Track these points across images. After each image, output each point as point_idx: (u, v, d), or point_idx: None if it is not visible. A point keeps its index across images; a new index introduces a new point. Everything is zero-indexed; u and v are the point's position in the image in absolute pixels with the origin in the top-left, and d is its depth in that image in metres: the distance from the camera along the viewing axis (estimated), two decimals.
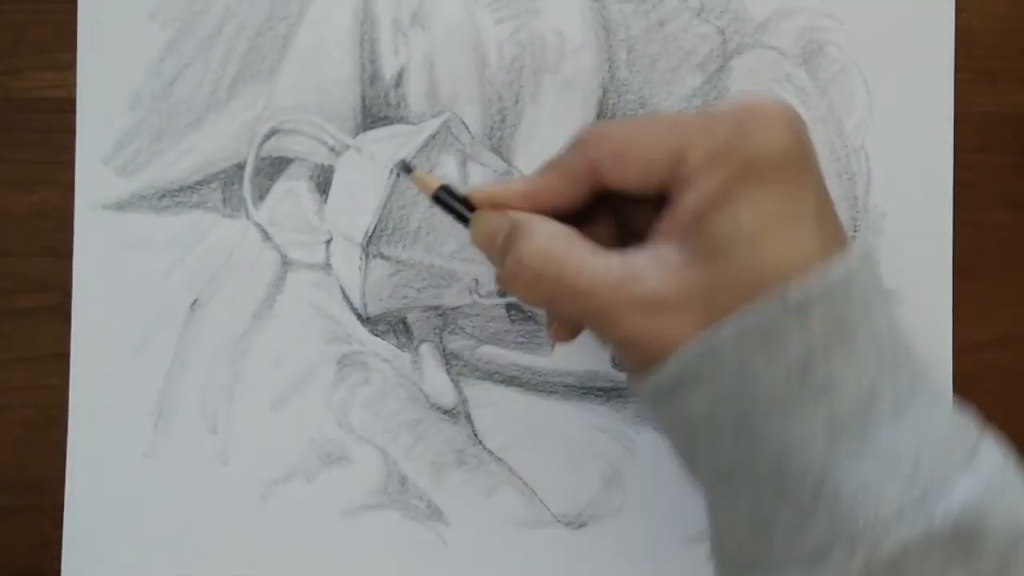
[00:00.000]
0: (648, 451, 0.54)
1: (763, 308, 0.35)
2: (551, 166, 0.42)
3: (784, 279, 0.35)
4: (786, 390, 0.35)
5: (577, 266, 0.38)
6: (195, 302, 0.54)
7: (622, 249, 0.39)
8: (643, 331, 0.37)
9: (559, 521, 0.54)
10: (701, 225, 0.36)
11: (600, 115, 0.54)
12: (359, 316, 0.54)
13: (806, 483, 0.35)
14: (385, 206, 0.51)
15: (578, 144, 0.41)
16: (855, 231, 0.54)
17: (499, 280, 0.42)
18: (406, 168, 0.47)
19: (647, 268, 0.37)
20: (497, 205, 0.42)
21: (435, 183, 0.45)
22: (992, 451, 0.36)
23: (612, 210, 0.43)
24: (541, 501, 0.54)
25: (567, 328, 0.45)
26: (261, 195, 0.54)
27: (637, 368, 0.38)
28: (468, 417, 0.54)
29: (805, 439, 0.35)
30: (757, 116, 0.37)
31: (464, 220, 0.44)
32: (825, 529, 0.35)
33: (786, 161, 0.36)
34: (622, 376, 0.54)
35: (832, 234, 0.37)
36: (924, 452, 0.35)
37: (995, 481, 0.35)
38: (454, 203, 0.44)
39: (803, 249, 0.36)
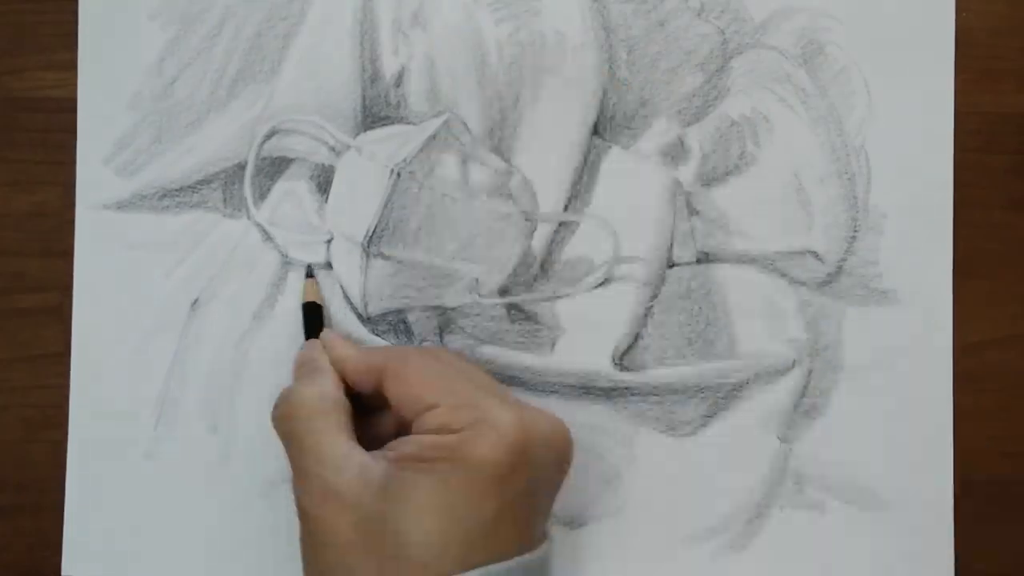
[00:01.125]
0: (648, 451, 0.54)
1: None
2: (370, 350, 0.50)
3: (420, 554, 0.41)
4: None
5: (315, 428, 0.45)
6: (196, 302, 0.54)
7: (358, 447, 0.45)
8: (315, 509, 0.43)
9: (559, 521, 0.54)
10: (401, 469, 0.43)
11: (600, 115, 0.54)
12: (360, 316, 0.54)
13: None
14: (386, 206, 0.51)
15: (392, 350, 0.51)
16: (855, 231, 0.54)
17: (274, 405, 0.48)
18: (309, 273, 0.54)
19: (351, 469, 0.43)
20: (328, 344, 0.50)
21: (311, 297, 0.53)
22: None
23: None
24: None
25: None
26: (262, 195, 0.54)
27: (304, 546, 0.45)
28: None
29: None
30: (491, 425, 0.43)
31: (307, 332, 0.52)
32: None
33: (487, 473, 0.42)
34: (622, 376, 0.54)
35: (492, 549, 0.42)
36: None
37: None
38: (310, 320, 0.52)
39: (452, 545, 0.41)
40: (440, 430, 0.44)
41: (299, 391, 0.47)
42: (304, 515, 0.44)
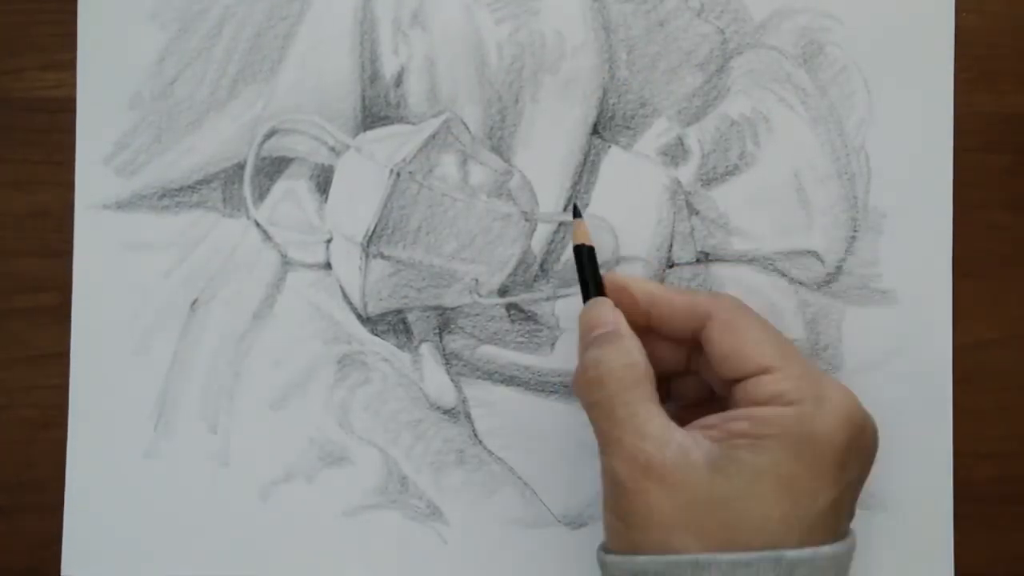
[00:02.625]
0: None
1: (758, 558, 0.39)
2: (685, 292, 0.48)
3: (765, 536, 0.40)
4: None
5: (629, 399, 0.43)
6: (195, 302, 0.54)
7: (672, 423, 0.43)
8: (634, 483, 0.41)
9: (559, 521, 0.54)
10: (732, 448, 0.41)
11: (600, 115, 0.54)
12: (359, 316, 0.54)
13: None
14: (385, 206, 0.51)
15: (714, 296, 0.47)
16: (855, 231, 0.54)
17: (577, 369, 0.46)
18: (576, 212, 0.50)
19: (672, 444, 0.41)
20: (622, 288, 0.47)
21: (587, 240, 0.49)
22: None
23: (699, 375, 0.49)
24: (541, 501, 0.54)
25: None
26: (261, 195, 0.54)
27: (612, 518, 0.43)
28: (468, 417, 0.54)
29: None
30: (834, 405, 0.41)
31: (586, 290, 0.48)
32: None
33: (826, 455, 0.40)
34: None
35: (827, 529, 0.41)
36: None
37: None
38: (589, 270, 0.49)
39: (794, 525, 0.40)
40: (773, 400, 0.41)
41: (607, 359, 0.44)
42: (619, 485, 0.42)
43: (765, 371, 0.42)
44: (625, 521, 0.42)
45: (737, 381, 0.43)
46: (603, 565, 0.44)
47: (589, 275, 0.48)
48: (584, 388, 0.45)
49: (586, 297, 0.48)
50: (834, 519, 0.41)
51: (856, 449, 0.41)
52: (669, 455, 0.41)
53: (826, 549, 0.40)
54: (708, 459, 0.41)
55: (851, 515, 0.43)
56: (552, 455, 0.54)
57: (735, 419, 0.42)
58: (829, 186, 0.54)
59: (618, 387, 0.43)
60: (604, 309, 0.47)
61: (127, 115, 0.54)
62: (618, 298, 0.47)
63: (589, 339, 0.46)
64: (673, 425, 0.42)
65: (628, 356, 0.44)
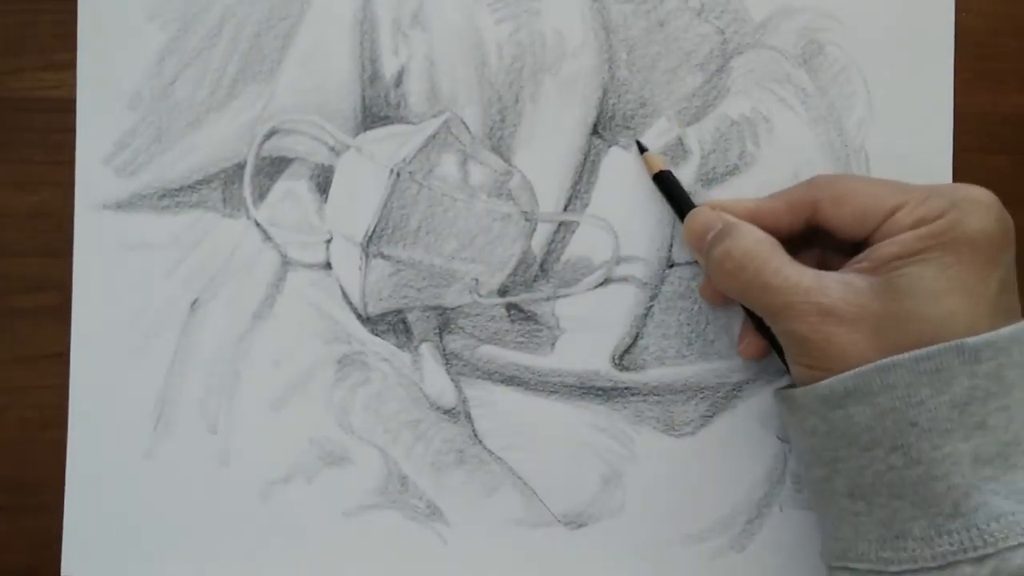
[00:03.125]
0: (648, 451, 0.54)
1: (940, 349, 0.41)
2: (778, 195, 0.50)
3: (950, 334, 0.41)
4: (945, 420, 0.41)
5: (775, 267, 0.45)
6: (195, 302, 0.54)
7: (819, 271, 0.45)
8: (817, 333, 0.43)
9: (559, 521, 0.54)
10: (892, 269, 0.43)
11: (600, 115, 0.54)
12: (359, 316, 0.54)
13: (947, 498, 0.41)
14: (385, 206, 0.51)
15: (807, 183, 0.49)
16: None
17: (706, 271, 0.49)
18: (641, 148, 0.53)
19: (834, 285, 0.44)
20: (720, 210, 0.50)
21: (662, 165, 0.53)
22: None
23: (815, 249, 0.51)
24: (541, 501, 0.54)
25: (755, 346, 0.52)
26: (261, 195, 0.54)
27: (804, 369, 0.45)
28: (468, 417, 0.54)
29: (954, 463, 0.41)
30: (972, 201, 0.43)
31: (679, 209, 0.52)
32: (960, 539, 0.40)
33: (984, 246, 0.42)
34: (622, 376, 0.54)
35: (1004, 313, 0.43)
36: None
37: None
38: (675, 190, 0.52)
39: (974, 318, 0.42)
40: (917, 224, 0.43)
41: (735, 246, 0.47)
42: (804, 341, 0.44)
43: (896, 209, 0.44)
44: (819, 366, 0.44)
45: (874, 233, 0.45)
46: (789, 399, 0.46)
47: (678, 195, 0.52)
48: (729, 280, 0.47)
49: (682, 216, 0.51)
50: (1008, 301, 0.43)
51: (1007, 231, 0.43)
52: (837, 295, 0.43)
53: (1006, 330, 0.42)
54: (872, 288, 0.43)
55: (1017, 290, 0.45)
56: (552, 455, 0.54)
57: (886, 246, 0.44)
58: None
59: (759, 262, 0.45)
60: (706, 214, 0.50)
61: (127, 115, 0.54)
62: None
63: (706, 244, 0.49)
64: (824, 272, 0.45)
65: (752, 234, 0.47)
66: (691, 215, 0.50)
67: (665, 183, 0.53)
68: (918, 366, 0.41)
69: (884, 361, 0.42)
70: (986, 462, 0.41)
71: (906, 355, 0.41)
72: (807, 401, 0.44)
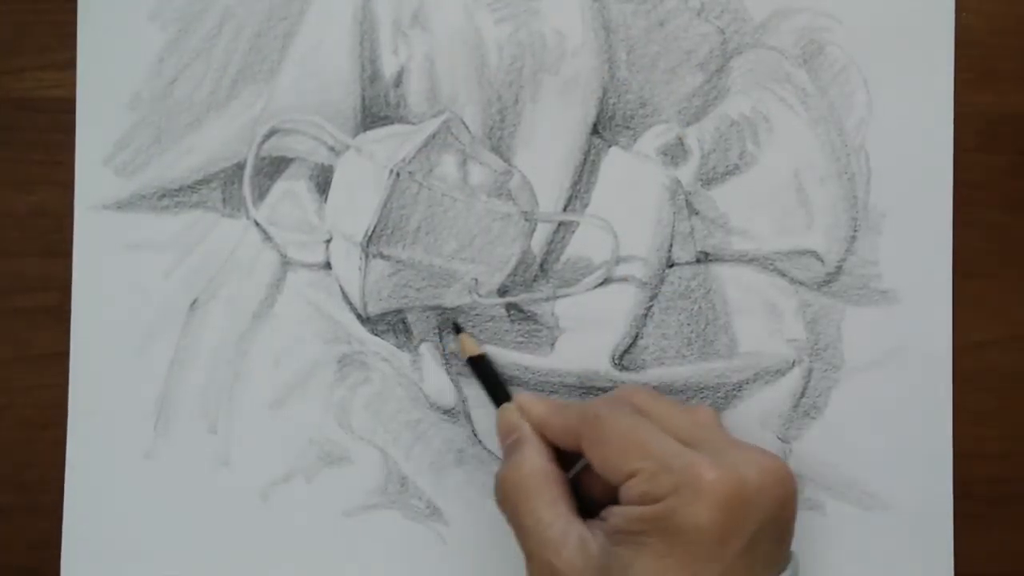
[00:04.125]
0: None
1: None
2: (564, 410, 0.48)
3: None
4: None
5: (532, 507, 0.45)
6: (195, 302, 0.54)
7: (575, 518, 0.45)
8: None
9: None
10: (616, 543, 0.43)
11: (600, 115, 0.54)
12: (359, 316, 0.54)
13: None
14: (385, 206, 0.51)
15: (582, 413, 0.47)
16: (855, 231, 0.54)
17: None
18: (456, 328, 0.54)
19: (571, 545, 0.44)
20: (522, 407, 0.49)
21: (475, 350, 0.53)
22: None
23: None
24: None
25: None
26: (261, 195, 0.54)
27: None
28: (468, 417, 0.54)
29: None
30: (694, 490, 0.41)
31: (492, 394, 0.52)
32: None
33: (697, 541, 0.41)
34: (622, 376, 0.54)
35: None
36: None
37: None
38: (490, 379, 0.52)
39: None
40: (643, 499, 0.42)
41: (510, 472, 0.47)
42: None
43: (631, 476, 0.43)
44: None
45: (618, 489, 0.44)
46: None
47: (491, 383, 0.52)
48: (499, 506, 0.47)
49: (496, 403, 0.51)
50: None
51: (734, 522, 0.41)
52: (566, 557, 0.43)
53: None
54: (601, 553, 0.43)
55: (769, 566, 0.44)
56: None
57: (615, 515, 0.43)
58: (829, 186, 0.54)
59: (521, 499, 0.46)
60: (509, 416, 0.50)
61: (127, 115, 0.54)
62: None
63: (503, 445, 0.50)
64: (575, 522, 0.45)
65: (529, 464, 0.47)
66: (500, 412, 0.50)
67: (480, 369, 0.53)
68: None
69: None
70: None
71: None
72: None
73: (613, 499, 0.44)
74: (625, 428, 0.45)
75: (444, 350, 0.54)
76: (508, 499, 0.46)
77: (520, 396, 0.50)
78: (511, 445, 0.48)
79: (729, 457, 0.43)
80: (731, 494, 0.41)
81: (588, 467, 0.47)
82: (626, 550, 0.42)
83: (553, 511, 0.45)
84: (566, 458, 0.48)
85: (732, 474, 0.42)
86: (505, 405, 0.50)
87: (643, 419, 0.46)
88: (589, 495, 0.47)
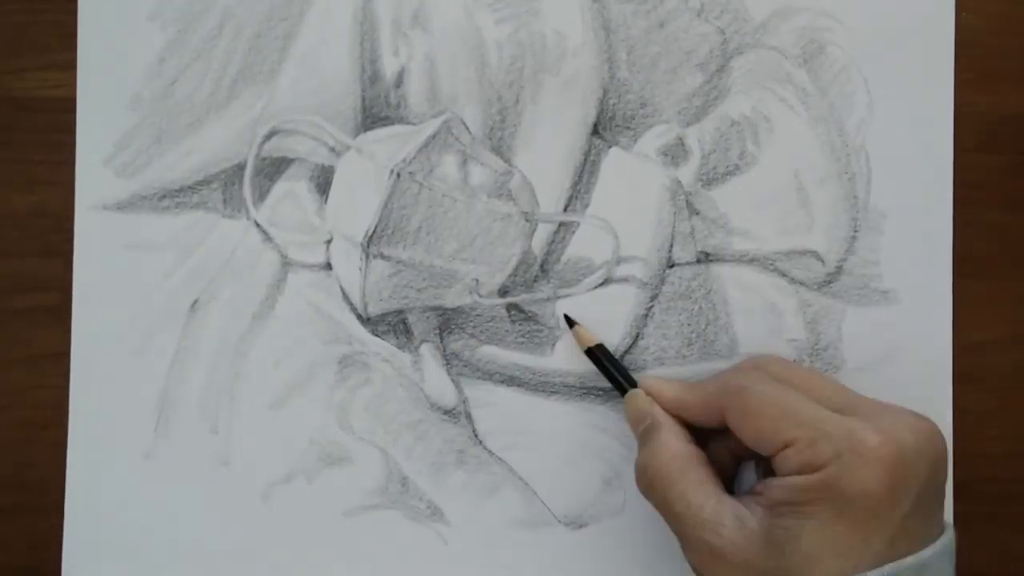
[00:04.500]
0: None
1: None
2: (700, 386, 0.49)
3: None
4: None
5: (680, 491, 0.45)
6: (195, 303, 0.54)
7: (725, 496, 0.45)
8: (705, 568, 0.44)
9: (559, 521, 0.54)
10: (779, 516, 0.42)
11: (600, 115, 0.54)
12: (359, 316, 0.54)
13: None
14: (385, 206, 0.51)
15: (723, 384, 0.48)
16: (856, 231, 0.54)
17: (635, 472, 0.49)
18: (569, 322, 0.53)
19: (728, 524, 0.43)
20: (651, 390, 0.50)
21: (592, 340, 0.52)
22: None
23: None
24: (541, 501, 0.54)
25: None
26: (261, 195, 0.54)
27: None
28: (468, 417, 0.54)
29: None
30: (857, 454, 0.41)
31: (616, 383, 0.51)
32: None
33: (864, 506, 0.41)
34: None
35: (898, 552, 0.42)
36: None
37: None
38: (611, 368, 0.52)
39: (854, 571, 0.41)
40: (803, 469, 0.42)
41: (652, 460, 0.47)
42: (697, 570, 0.45)
43: (786, 445, 0.43)
44: None
45: (772, 459, 0.44)
46: None
47: (613, 371, 0.52)
48: (645, 494, 0.47)
49: (622, 391, 0.51)
50: (899, 547, 0.42)
51: (897, 485, 0.41)
52: (727, 535, 0.43)
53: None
54: (761, 528, 0.43)
55: (928, 528, 0.43)
56: (552, 455, 0.54)
57: (776, 487, 0.43)
58: (829, 186, 0.54)
59: (667, 484, 0.46)
60: (638, 402, 0.50)
61: (127, 116, 0.54)
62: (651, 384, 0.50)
63: (637, 433, 0.49)
64: (727, 500, 0.45)
65: (669, 449, 0.47)
66: (628, 399, 0.50)
67: (600, 359, 0.52)
68: None
69: None
70: None
71: None
72: None
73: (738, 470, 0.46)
74: (774, 397, 0.45)
75: (444, 350, 0.54)
76: (654, 487, 0.46)
77: (647, 380, 0.50)
78: (645, 432, 0.48)
79: (884, 421, 0.43)
80: (895, 457, 0.41)
81: (717, 442, 0.48)
82: (792, 520, 0.42)
83: (703, 492, 0.45)
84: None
85: (892, 437, 0.42)
86: (632, 391, 0.50)
87: (788, 387, 0.46)
88: (723, 470, 0.48)
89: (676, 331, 0.54)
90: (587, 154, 0.54)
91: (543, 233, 0.54)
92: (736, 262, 0.55)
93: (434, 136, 0.52)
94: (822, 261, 0.54)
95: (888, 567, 0.41)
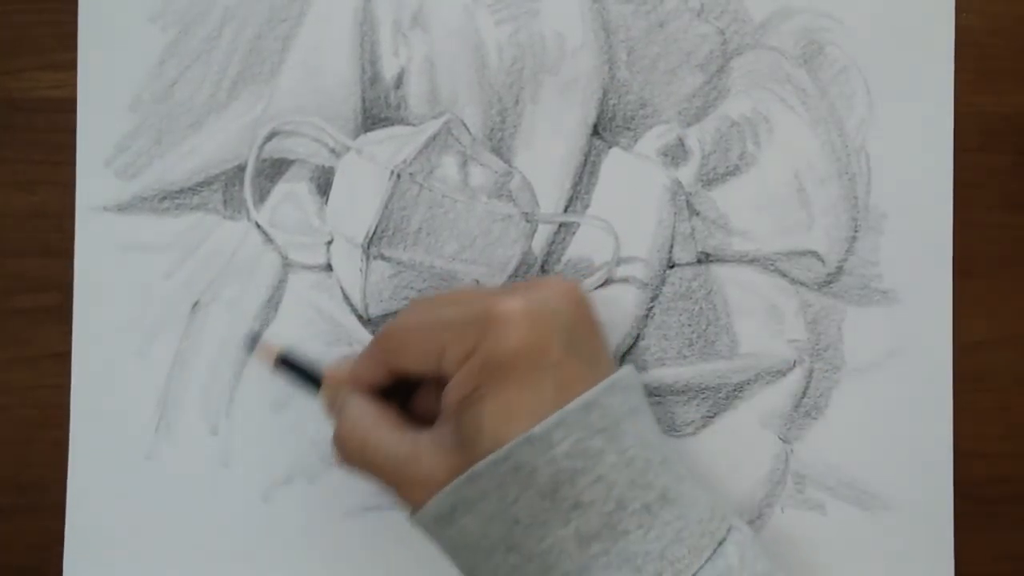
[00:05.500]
0: None
1: (510, 448, 0.41)
2: (362, 353, 0.48)
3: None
4: (540, 510, 0.42)
5: (374, 444, 0.45)
6: (196, 304, 0.54)
7: (419, 428, 0.46)
8: (422, 501, 0.44)
9: None
10: (459, 416, 0.43)
11: (600, 116, 0.54)
12: (360, 317, 0.54)
13: None
14: (386, 207, 0.51)
15: (376, 337, 0.48)
16: (856, 231, 0.54)
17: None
18: (251, 343, 0.52)
19: (426, 450, 0.44)
20: (333, 379, 0.49)
21: (271, 355, 0.51)
22: (736, 543, 0.43)
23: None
24: None
25: None
26: (262, 197, 0.54)
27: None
28: None
29: (561, 550, 0.42)
30: (497, 321, 0.43)
31: (308, 386, 0.50)
32: None
33: (521, 363, 0.42)
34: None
35: (572, 393, 0.43)
36: (670, 551, 0.42)
37: (734, 568, 0.42)
38: (298, 372, 0.50)
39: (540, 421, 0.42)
40: (464, 360, 0.43)
41: (340, 427, 0.47)
42: (413, 504, 0.45)
43: (442, 351, 0.44)
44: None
45: (441, 374, 0.45)
46: (416, 525, 0.46)
47: (304, 374, 0.50)
48: (347, 463, 0.47)
49: (316, 389, 0.50)
50: (571, 390, 0.43)
51: (546, 329, 0.43)
52: (427, 463, 0.44)
53: (570, 405, 0.42)
54: (454, 440, 0.43)
55: (595, 367, 0.45)
56: None
57: (449, 393, 0.44)
58: (829, 186, 0.54)
59: (362, 443, 0.46)
60: (325, 395, 0.49)
61: (127, 117, 0.54)
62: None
63: (332, 419, 0.49)
64: (424, 432, 0.45)
65: (356, 410, 0.47)
66: (321, 395, 0.50)
67: (290, 366, 0.51)
68: (498, 468, 0.42)
69: (469, 472, 0.42)
70: (591, 538, 0.42)
71: (483, 461, 0.42)
72: (425, 524, 0.45)
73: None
74: (414, 319, 0.46)
75: None
76: (350, 452, 0.46)
77: (325, 370, 0.50)
78: (333, 413, 0.48)
79: (517, 291, 0.44)
80: (530, 311, 0.43)
81: (420, 394, 0.49)
82: (471, 410, 0.43)
83: (397, 435, 0.45)
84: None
85: (525, 298, 0.44)
86: (324, 384, 0.50)
87: (423, 301, 0.47)
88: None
89: (676, 332, 0.54)
90: (587, 155, 0.54)
91: (543, 234, 0.54)
92: (736, 262, 0.55)
93: (434, 137, 0.52)
94: (822, 261, 0.54)
95: (556, 414, 0.42)
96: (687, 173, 0.54)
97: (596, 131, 0.54)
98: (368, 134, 0.54)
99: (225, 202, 0.54)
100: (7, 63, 0.54)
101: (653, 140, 0.54)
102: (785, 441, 0.54)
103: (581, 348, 0.44)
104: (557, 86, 0.54)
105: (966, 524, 0.54)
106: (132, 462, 0.54)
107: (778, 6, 0.55)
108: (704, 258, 0.54)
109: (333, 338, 0.54)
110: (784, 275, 0.55)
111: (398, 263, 0.52)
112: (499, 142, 0.54)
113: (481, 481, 0.42)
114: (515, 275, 0.53)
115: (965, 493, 0.54)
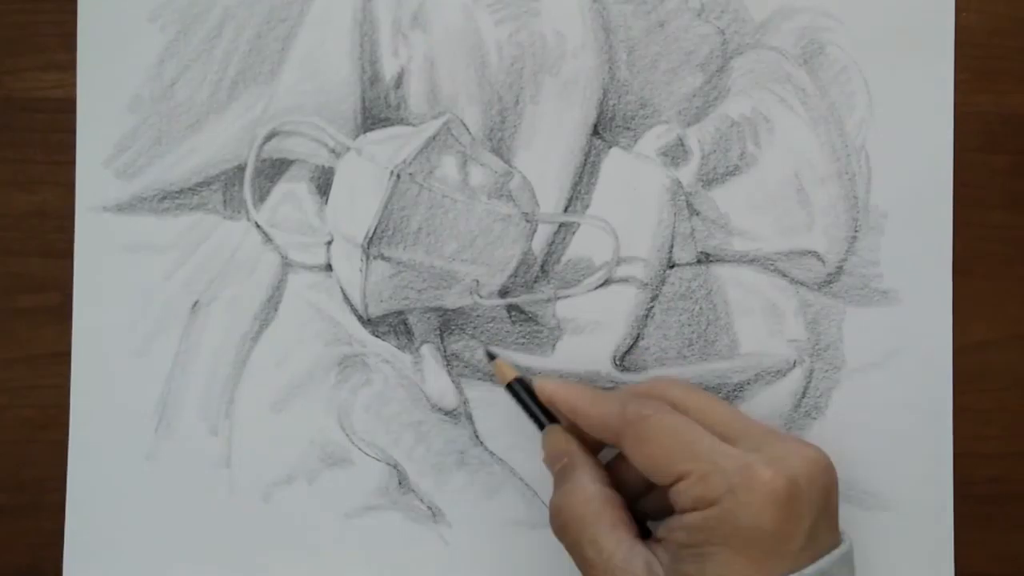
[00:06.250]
0: None
1: None
2: (599, 406, 0.47)
3: None
4: None
5: (592, 536, 0.44)
6: (196, 304, 0.54)
7: (637, 542, 0.44)
8: None
9: None
10: (680, 560, 0.42)
11: (600, 116, 0.54)
12: (360, 317, 0.54)
13: None
14: (386, 207, 0.51)
15: (623, 406, 0.46)
16: (856, 231, 0.54)
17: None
18: (490, 356, 0.52)
19: (638, 573, 0.43)
20: (550, 399, 0.48)
21: (512, 375, 0.50)
22: None
23: None
24: (542, 501, 0.54)
25: None
26: (262, 197, 0.54)
27: None
28: (469, 418, 0.54)
29: None
30: (749, 490, 0.41)
31: (535, 418, 0.50)
32: None
33: (758, 541, 0.41)
34: (623, 377, 0.54)
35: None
36: None
37: None
38: (529, 403, 0.50)
39: None
40: (698, 504, 0.42)
41: (564, 503, 0.46)
42: None
43: (680, 478, 0.43)
44: None
45: (667, 492, 0.44)
46: None
47: (532, 405, 0.50)
48: (557, 535, 0.47)
49: (540, 426, 0.50)
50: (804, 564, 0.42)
51: (791, 516, 0.42)
52: None
53: None
54: (668, 573, 0.43)
55: (823, 547, 0.43)
56: None
57: (675, 529, 0.43)
58: (829, 186, 0.54)
59: (580, 528, 0.45)
60: (555, 439, 0.49)
61: (127, 117, 0.54)
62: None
63: (554, 472, 0.48)
64: (638, 547, 0.44)
65: (584, 491, 0.46)
66: (546, 435, 0.49)
67: (519, 393, 0.51)
68: None
69: None
70: None
71: None
72: None
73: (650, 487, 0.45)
74: (669, 428, 0.44)
75: (445, 351, 0.54)
76: (567, 529, 0.46)
77: (547, 386, 0.49)
78: (562, 471, 0.48)
79: (775, 451, 0.43)
80: (787, 491, 0.41)
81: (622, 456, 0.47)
82: (693, 565, 0.42)
83: (615, 538, 0.44)
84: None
85: (784, 471, 0.42)
86: (550, 427, 0.49)
87: (686, 418, 0.45)
88: (625, 483, 0.47)
89: (676, 331, 0.54)
90: (587, 155, 0.54)
91: (543, 234, 0.54)
92: (736, 262, 0.55)
93: (434, 137, 0.52)
94: (822, 261, 0.54)
95: None
96: (687, 173, 0.54)
97: (596, 131, 0.54)
98: (368, 134, 0.54)
99: (225, 202, 0.54)
100: (7, 63, 0.54)
101: (653, 140, 0.54)
102: None
103: (821, 532, 0.43)
104: (557, 86, 0.54)
105: (966, 524, 0.54)
106: (132, 462, 0.54)
107: (778, 6, 0.55)
108: (704, 258, 0.54)
109: (332, 338, 0.54)
110: (784, 275, 0.55)
111: (398, 263, 0.52)
112: (499, 142, 0.54)
113: None
114: (515, 275, 0.53)
115: (965, 493, 0.54)
